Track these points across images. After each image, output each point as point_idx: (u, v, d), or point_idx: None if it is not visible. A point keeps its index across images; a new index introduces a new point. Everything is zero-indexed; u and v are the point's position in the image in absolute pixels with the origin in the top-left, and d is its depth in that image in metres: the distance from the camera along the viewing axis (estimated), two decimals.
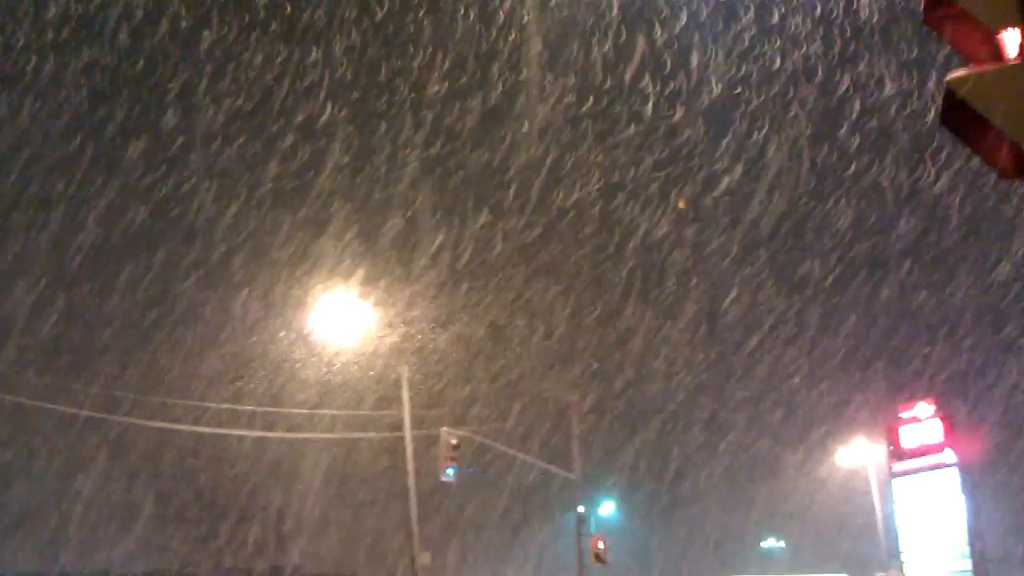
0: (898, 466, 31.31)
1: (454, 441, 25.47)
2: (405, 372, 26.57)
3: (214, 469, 43.44)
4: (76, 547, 49.97)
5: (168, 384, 34.04)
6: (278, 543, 47.64)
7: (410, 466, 25.85)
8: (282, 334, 30.04)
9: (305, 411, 31.14)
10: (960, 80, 4.87)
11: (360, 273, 26.56)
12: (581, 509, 27.00)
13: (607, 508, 32.68)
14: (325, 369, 29.60)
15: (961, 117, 4.99)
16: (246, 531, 45.78)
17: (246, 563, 48.02)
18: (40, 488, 45.27)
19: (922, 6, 5.04)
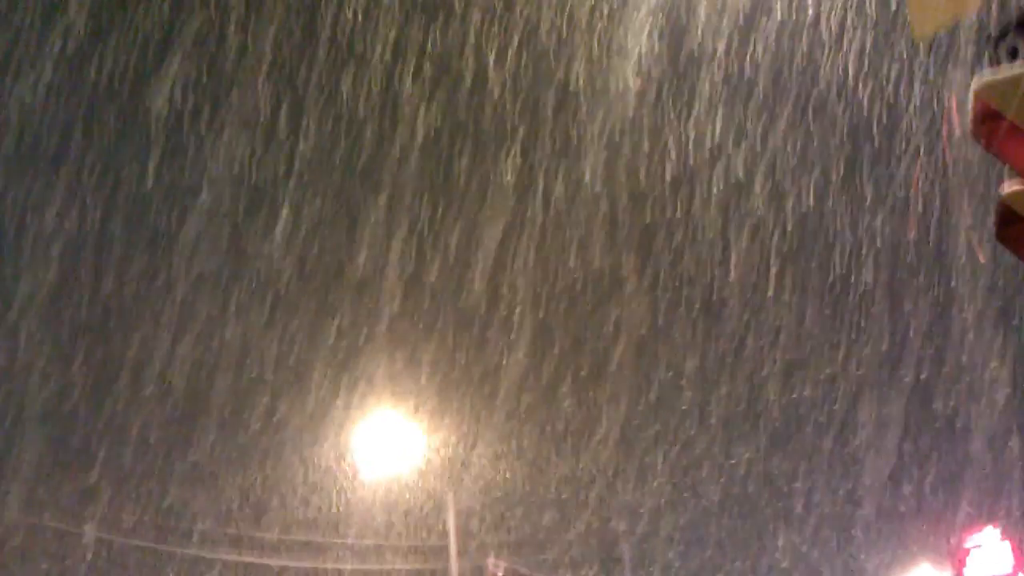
0: None
1: (500, 573, 24.81)
2: (451, 499, 26.13)
3: None
4: None
5: (202, 511, 33.74)
6: None
7: None
8: (322, 458, 29.85)
9: (347, 541, 30.69)
10: (1016, 195, 4.73)
11: (404, 393, 26.37)
12: None
13: None
14: (367, 495, 29.25)
15: (1018, 232, 4.84)
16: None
17: None
18: None
19: (970, 124, 4.93)
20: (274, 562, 32.61)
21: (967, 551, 30.20)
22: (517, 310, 26.37)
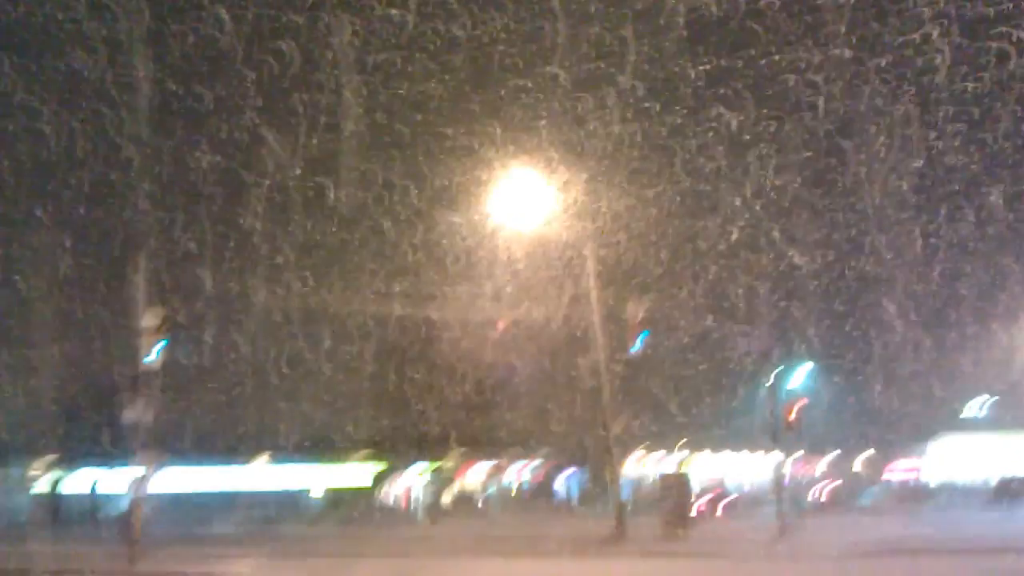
0: None
1: (641, 314, 25.40)
2: (591, 246, 26.60)
3: (415, 348, 45.45)
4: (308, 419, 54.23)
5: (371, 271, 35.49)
6: (476, 414, 49.74)
7: (599, 339, 26.14)
8: (470, 215, 30.52)
9: (488, 290, 31.86)
10: None
11: (542, 148, 26.32)
12: (773, 377, 26.58)
13: (800, 375, 31.97)
14: (511, 251, 29.95)
15: None
16: (444, 404, 47.94)
17: (441, 434, 50.57)
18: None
19: None
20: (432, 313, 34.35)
21: None
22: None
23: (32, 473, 58.89)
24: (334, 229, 32.57)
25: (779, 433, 26.45)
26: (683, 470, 28.67)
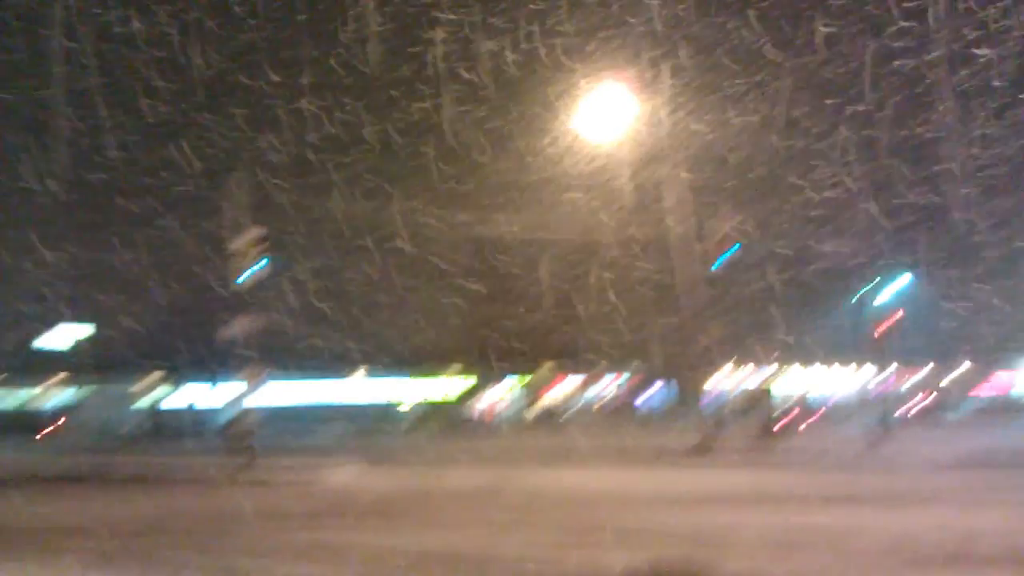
0: None
1: (725, 229, 25.24)
2: (671, 163, 26.40)
3: (505, 263, 45.92)
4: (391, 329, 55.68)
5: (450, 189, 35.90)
6: (563, 329, 50.23)
7: (686, 253, 26.09)
8: (548, 131, 30.50)
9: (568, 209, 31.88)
10: None
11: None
12: (866, 289, 26.28)
13: (895, 287, 31.38)
14: (589, 165, 29.89)
15: None
16: (533, 321, 48.50)
17: (529, 349, 51.27)
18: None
19: None
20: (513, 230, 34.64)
21: None
22: None
23: (137, 388, 61.85)
24: (424, 144, 32.91)
25: (871, 346, 26.19)
26: (769, 383, 28.69)
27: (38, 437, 50.68)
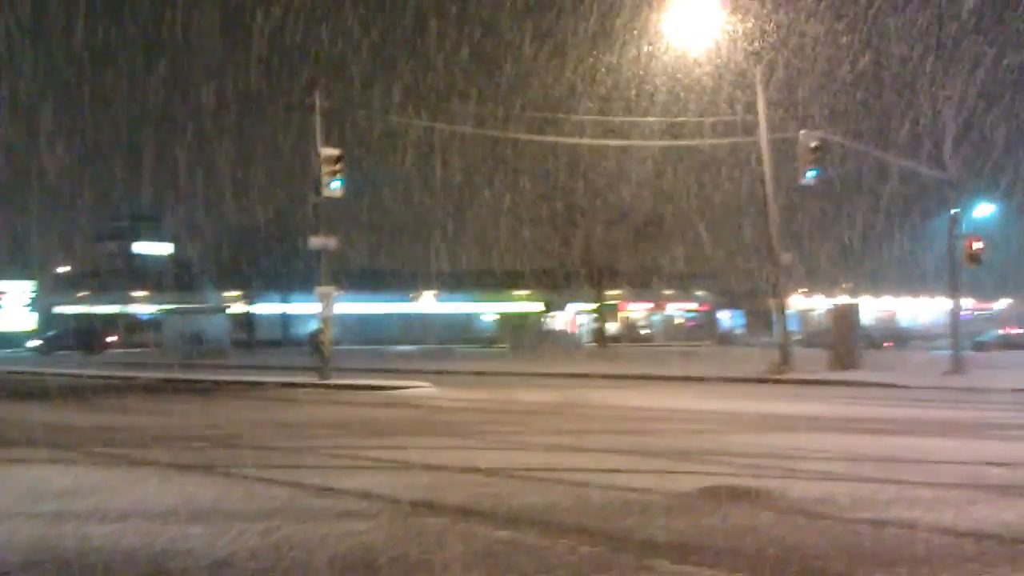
0: None
1: (813, 143, 24.54)
2: (759, 72, 25.67)
3: (582, 178, 45.55)
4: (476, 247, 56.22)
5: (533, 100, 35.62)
6: (642, 243, 49.81)
7: (767, 168, 25.54)
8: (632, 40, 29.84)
9: (658, 119, 31.35)
10: None
11: None
12: (955, 211, 25.35)
13: (984, 210, 30.29)
14: (676, 75, 29.26)
15: None
16: (613, 234, 48.21)
17: (608, 264, 51.11)
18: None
19: None
20: (588, 142, 34.27)
21: None
22: None
23: (227, 299, 63.67)
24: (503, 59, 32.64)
25: (956, 273, 25.45)
26: (852, 307, 28.05)
27: (99, 349, 53.00)
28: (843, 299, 60.99)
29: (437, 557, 5.10)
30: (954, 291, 25.83)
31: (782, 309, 26.09)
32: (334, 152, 23.61)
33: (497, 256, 59.31)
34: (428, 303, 70.57)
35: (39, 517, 6.33)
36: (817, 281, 67.59)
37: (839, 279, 70.33)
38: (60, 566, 5.03)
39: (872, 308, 74.74)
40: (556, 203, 47.54)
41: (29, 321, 68.65)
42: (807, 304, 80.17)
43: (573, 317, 72.58)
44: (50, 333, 59.04)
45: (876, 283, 74.86)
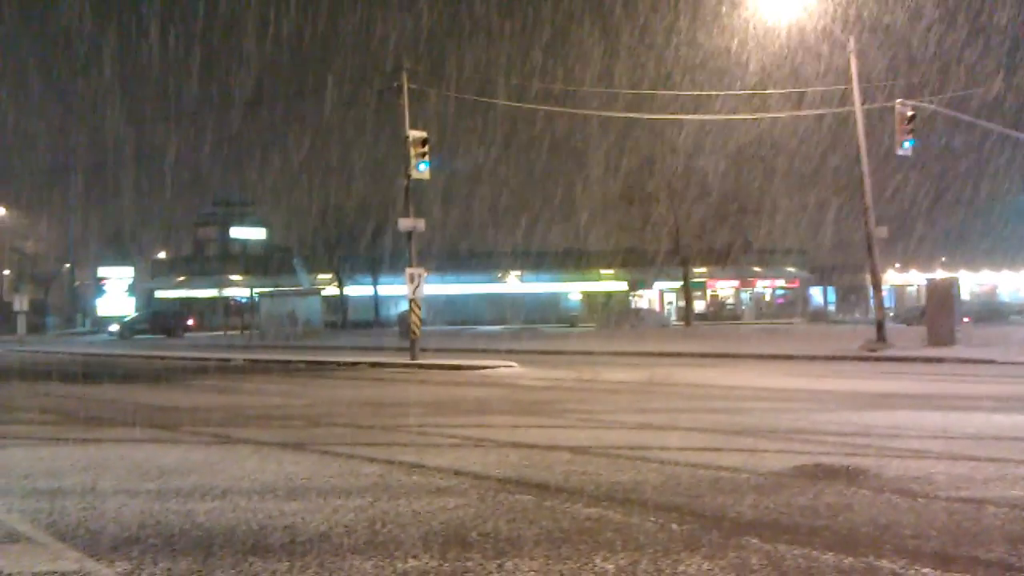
0: None
1: (909, 112, 23.81)
2: (852, 43, 25.00)
3: (669, 154, 45.13)
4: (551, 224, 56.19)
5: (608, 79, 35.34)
6: (734, 220, 49.14)
7: (861, 140, 24.90)
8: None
9: (748, 92, 30.83)
10: None
11: None
12: None
13: None
14: (767, 48, 28.69)
15: None
16: (701, 210, 47.67)
17: (695, 241, 50.49)
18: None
19: None
20: (673, 117, 33.86)
21: None
22: None
23: (318, 281, 64.97)
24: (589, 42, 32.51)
25: None
26: (950, 282, 27.26)
27: (180, 333, 54.47)
28: (939, 274, 59.16)
29: (526, 533, 5.17)
30: None
31: (877, 284, 25.47)
32: (421, 135, 23.89)
33: (582, 235, 59.16)
34: (513, 283, 70.82)
35: (145, 494, 6.61)
36: (912, 256, 65.70)
37: (943, 249, 68.27)
38: (165, 541, 5.25)
39: (970, 282, 72.33)
40: (644, 180, 47.18)
41: (129, 306, 71.30)
42: (902, 279, 77.99)
43: (660, 295, 72.03)
44: (127, 317, 60.47)
45: (975, 257, 72.39)
